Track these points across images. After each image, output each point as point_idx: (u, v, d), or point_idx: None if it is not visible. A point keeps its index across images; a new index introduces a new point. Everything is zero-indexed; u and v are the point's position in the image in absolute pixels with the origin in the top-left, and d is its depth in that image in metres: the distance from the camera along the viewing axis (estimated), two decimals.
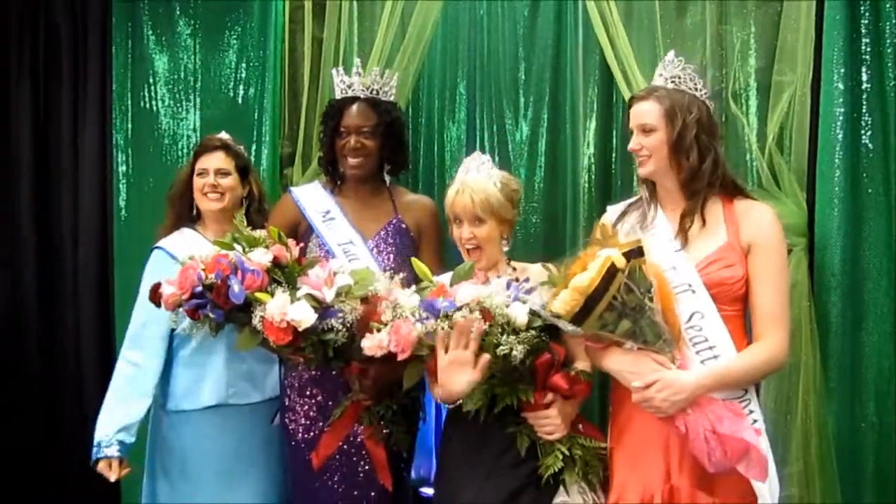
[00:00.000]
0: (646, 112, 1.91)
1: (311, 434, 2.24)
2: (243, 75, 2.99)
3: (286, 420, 2.30)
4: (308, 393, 2.27)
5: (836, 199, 2.17)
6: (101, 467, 2.22)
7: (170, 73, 3.08)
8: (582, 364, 1.96)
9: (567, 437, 1.91)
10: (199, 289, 1.96)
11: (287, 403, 2.30)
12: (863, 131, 2.15)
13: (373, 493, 2.22)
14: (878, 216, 2.16)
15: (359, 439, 2.22)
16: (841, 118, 2.16)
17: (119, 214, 3.12)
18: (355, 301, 2.00)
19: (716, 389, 1.77)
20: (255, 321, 1.94)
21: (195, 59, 3.06)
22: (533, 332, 1.83)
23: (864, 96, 2.15)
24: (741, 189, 1.95)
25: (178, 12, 3.07)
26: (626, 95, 2.37)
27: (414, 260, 2.05)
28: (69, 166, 3.31)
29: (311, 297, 1.96)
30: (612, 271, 1.69)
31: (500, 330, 1.82)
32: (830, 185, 2.19)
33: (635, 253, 1.74)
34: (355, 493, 2.22)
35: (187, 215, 2.41)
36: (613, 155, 2.68)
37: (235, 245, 2.08)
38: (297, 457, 2.27)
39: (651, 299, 1.73)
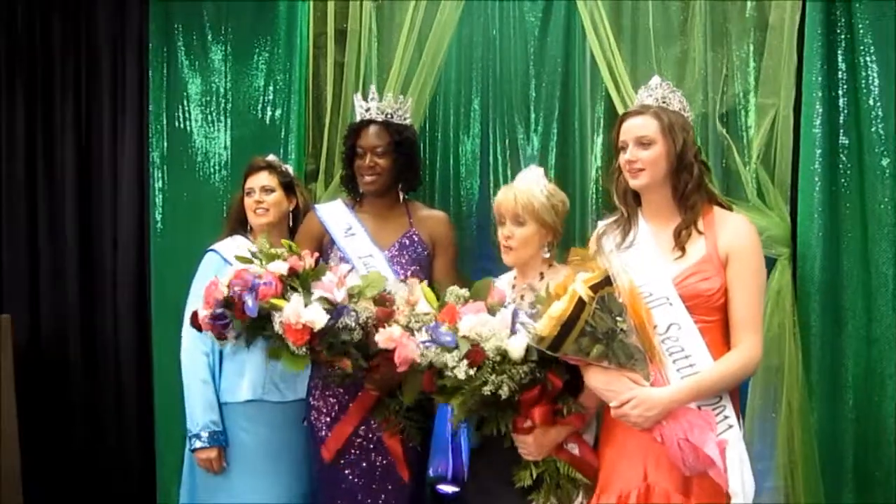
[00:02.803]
0: (643, 126, 1.95)
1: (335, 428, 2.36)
2: (271, 97, 3.09)
3: (311, 417, 2.42)
4: (331, 392, 2.38)
5: (816, 212, 2.26)
6: (202, 460, 2.40)
7: (202, 95, 3.21)
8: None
9: (544, 459, 1.99)
10: (221, 309, 2.11)
11: (312, 402, 2.42)
12: (840, 151, 2.25)
13: (390, 487, 2.33)
14: (854, 228, 2.25)
15: (377, 435, 2.33)
16: (820, 138, 2.26)
17: (155, 227, 3.24)
18: (368, 301, 2.15)
19: (691, 401, 1.83)
20: (277, 327, 2.08)
21: (226, 81, 3.17)
22: (529, 365, 1.88)
23: (841, 119, 2.25)
24: (717, 200, 2.01)
25: (209, 39, 3.20)
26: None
27: (422, 285, 2.15)
28: (109, 182, 3.47)
29: (324, 299, 2.11)
30: (580, 304, 1.77)
31: (490, 369, 1.88)
32: (811, 200, 2.28)
33: (603, 283, 1.82)
34: (374, 486, 2.33)
35: (240, 229, 2.61)
36: None
37: (255, 260, 2.23)
38: (322, 453, 2.38)
39: (623, 322, 1.81)
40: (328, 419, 2.39)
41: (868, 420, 2.24)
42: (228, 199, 3.06)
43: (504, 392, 1.87)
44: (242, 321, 2.11)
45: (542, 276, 2.15)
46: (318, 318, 2.05)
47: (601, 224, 2.15)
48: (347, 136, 2.59)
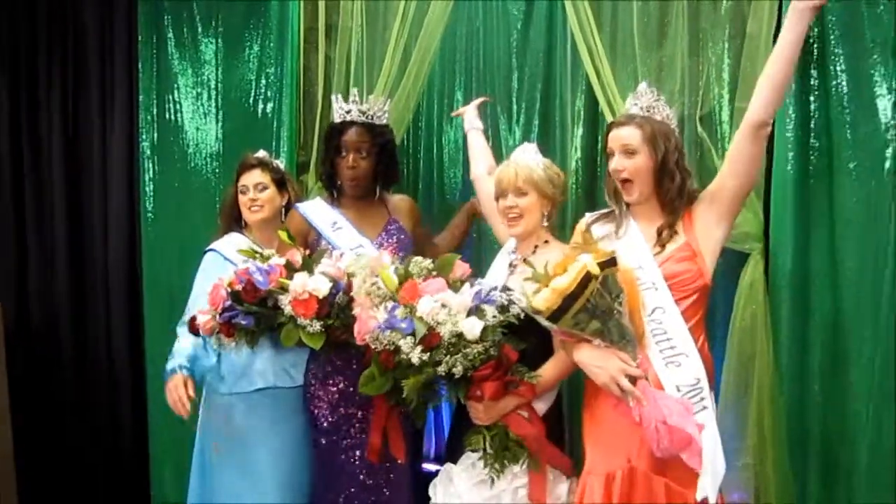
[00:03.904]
0: (628, 136, 2.08)
1: (335, 418, 2.45)
2: (262, 90, 3.15)
3: (311, 407, 2.49)
4: (331, 381, 2.46)
5: (788, 211, 2.36)
6: (170, 387, 2.36)
7: (193, 87, 3.25)
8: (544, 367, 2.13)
9: (495, 424, 2.13)
10: (229, 302, 2.20)
11: (312, 392, 2.49)
12: (811, 153, 2.34)
13: (388, 465, 2.43)
14: (822, 226, 2.32)
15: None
16: (792, 141, 2.34)
17: (146, 217, 3.29)
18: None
19: None
20: (286, 307, 2.19)
21: (217, 74, 3.22)
22: (484, 344, 1.98)
23: (813, 124, 2.33)
24: (696, 198, 2.13)
25: (200, 31, 3.23)
26: (609, 117, 2.52)
27: (382, 271, 2.17)
28: (98, 172, 3.50)
29: (324, 274, 2.24)
30: (587, 277, 1.85)
31: (444, 350, 1.97)
32: (783, 199, 2.36)
33: (609, 262, 1.90)
34: (375, 466, 2.41)
35: (236, 226, 2.66)
36: (598, 159, 2.84)
37: (256, 255, 2.34)
38: (322, 438, 2.48)
39: (620, 304, 1.91)
40: (329, 407, 2.46)
41: (833, 404, 2.33)
42: (220, 191, 3.10)
43: (458, 371, 1.99)
44: (253, 304, 2.20)
45: (535, 249, 2.25)
46: (321, 285, 2.19)
47: (588, 216, 2.27)
48: (328, 135, 2.66)
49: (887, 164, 2.22)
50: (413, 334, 1.99)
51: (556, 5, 2.86)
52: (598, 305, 1.90)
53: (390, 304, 2.08)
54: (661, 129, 2.08)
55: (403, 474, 2.48)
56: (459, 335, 1.99)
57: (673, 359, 2.02)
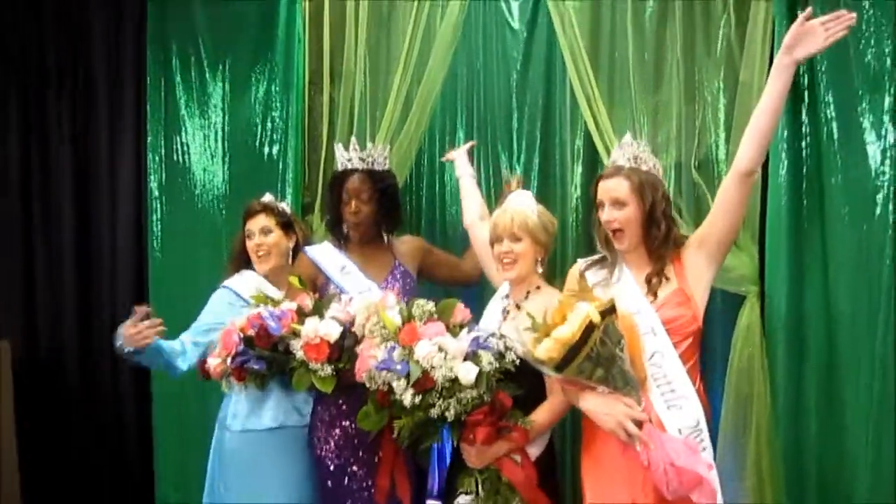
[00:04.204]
0: (615, 188, 2.13)
1: (340, 461, 2.47)
2: (268, 133, 3.19)
3: (317, 450, 2.51)
4: (337, 424, 2.48)
5: (783, 254, 2.41)
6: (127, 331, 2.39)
7: (200, 129, 3.31)
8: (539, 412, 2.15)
9: (487, 467, 2.16)
10: (241, 347, 2.25)
11: (318, 435, 2.51)
12: (804, 197, 2.40)
13: None
14: (816, 269, 2.37)
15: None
16: (785, 187, 2.40)
17: (154, 255, 3.35)
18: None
19: None
20: (298, 352, 2.25)
21: (223, 117, 3.28)
22: (478, 389, 2.01)
23: (805, 168, 2.39)
24: (682, 244, 2.17)
25: (207, 74, 3.30)
26: (606, 161, 2.55)
27: (383, 313, 2.20)
28: (108, 211, 3.57)
29: (334, 318, 2.29)
30: (590, 327, 1.87)
31: (438, 394, 2.00)
32: (777, 242, 2.42)
33: (610, 310, 1.92)
34: None
35: (245, 267, 2.71)
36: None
37: (264, 307, 2.39)
38: (329, 480, 2.49)
39: (622, 350, 1.94)
40: (336, 450, 2.48)
41: (829, 443, 2.36)
42: (227, 231, 3.15)
43: (450, 415, 2.02)
44: (265, 349, 2.25)
45: (527, 295, 2.29)
46: (332, 330, 2.25)
47: (581, 262, 2.32)
48: (332, 183, 2.73)
49: (878, 210, 2.27)
50: (407, 376, 2.02)
51: (554, 48, 2.92)
52: (602, 353, 1.93)
53: (390, 345, 2.13)
54: (648, 180, 2.13)
55: None
56: (454, 380, 2.02)
57: (674, 402, 2.05)
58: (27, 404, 3.51)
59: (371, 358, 2.12)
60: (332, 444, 2.50)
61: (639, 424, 1.98)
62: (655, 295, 2.13)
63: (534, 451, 2.22)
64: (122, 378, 3.56)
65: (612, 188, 2.15)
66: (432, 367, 2.03)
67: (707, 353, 2.62)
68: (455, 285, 2.88)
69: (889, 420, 2.22)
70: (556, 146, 3.00)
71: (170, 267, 3.33)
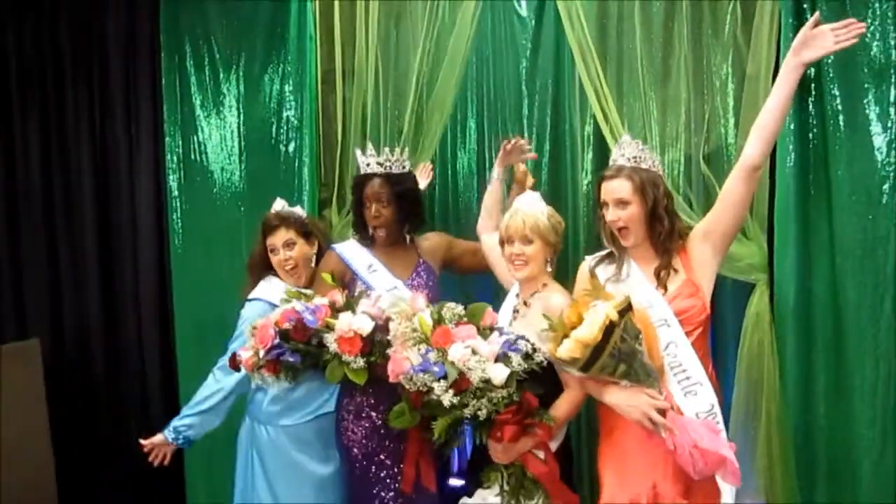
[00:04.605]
0: (619, 188, 2.19)
1: (367, 450, 2.53)
2: (284, 131, 3.24)
3: (344, 440, 2.57)
4: (364, 415, 2.54)
5: (791, 243, 2.44)
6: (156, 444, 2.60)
7: (217, 129, 3.36)
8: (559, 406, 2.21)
9: (512, 463, 2.23)
10: (277, 340, 2.32)
11: (345, 425, 2.57)
12: (811, 188, 2.43)
13: (418, 496, 2.52)
14: (824, 257, 2.40)
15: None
16: (792, 177, 2.43)
17: (176, 252, 3.42)
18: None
19: None
20: (331, 345, 2.33)
21: (239, 116, 3.33)
22: (508, 389, 2.08)
23: (812, 159, 2.42)
24: (686, 235, 2.24)
25: (221, 75, 3.35)
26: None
27: (419, 317, 2.24)
28: (128, 210, 3.65)
29: (366, 313, 2.37)
30: (610, 327, 1.94)
31: (472, 394, 2.07)
32: (786, 232, 2.45)
33: (627, 308, 1.98)
34: (401, 499, 2.50)
35: (266, 273, 2.75)
36: None
37: (298, 301, 2.45)
38: (355, 469, 2.57)
39: (640, 344, 2.01)
40: (363, 440, 2.55)
41: (837, 427, 2.41)
42: (246, 227, 3.21)
43: (482, 414, 2.10)
44: (300, 343, 2.32)
45: (534, 293, 2.34)
46: (365, 324, 2.33)
47: (589, 259, 2.38)
48: (354, 187, 2.79)
49: (884, 199, 2.33)
50: (445, 378, 2.09)
51: (562, 35, 2.93)
52: (623, 350, 1.99)
53: (423, 348, 2.18)
54: (649, 178, 2.20)
55: (432, 499, 2.60)
56: (487, 381, 2.08)
57: (690, 388, 2.13)
58: (56, 401, 3.60)
59: (405, 360, 2.18)
60: (360, 433, 2.56)
61: (662, 412, 2.06)
62: (665, 287, 2.20)
63: (553, 445, 2.29)
64: (150, 372, 3.64)
65: (614, 189, 2.21)
66: (468, 369, 2.10)
67: (718, 341, 2.73)
68: (481, 271, 2.87)
69: (894, 404, 2.29)
70: (566, 133, 3.03)
71: (191, 263, 3.40)
